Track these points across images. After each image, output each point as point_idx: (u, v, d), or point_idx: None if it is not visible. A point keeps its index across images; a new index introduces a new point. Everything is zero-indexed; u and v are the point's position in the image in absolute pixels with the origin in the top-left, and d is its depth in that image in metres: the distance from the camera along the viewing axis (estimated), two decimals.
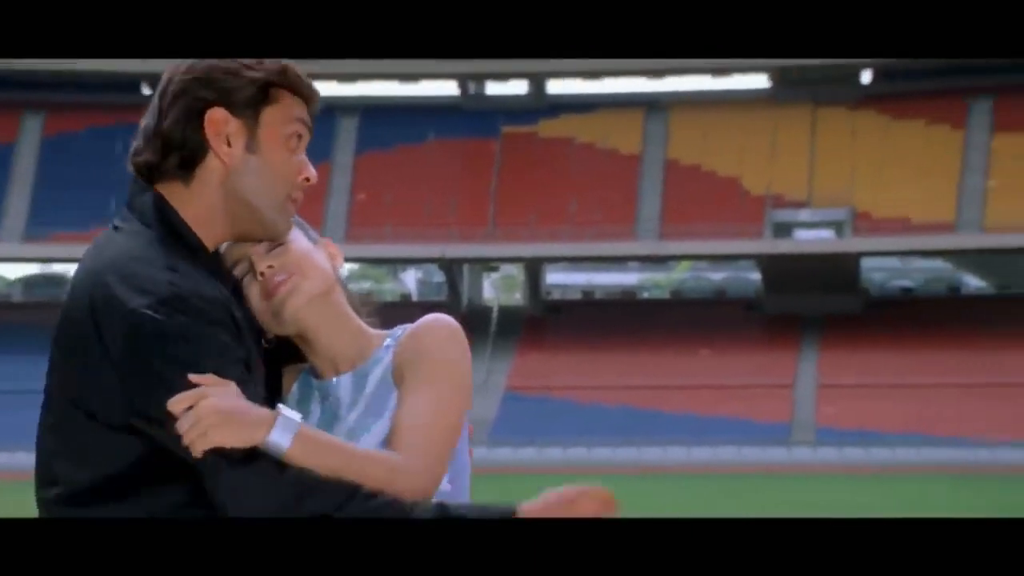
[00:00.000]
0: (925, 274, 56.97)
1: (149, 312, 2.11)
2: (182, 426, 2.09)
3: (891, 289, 54.02)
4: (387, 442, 2.29)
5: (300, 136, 2.27)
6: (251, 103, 2.23)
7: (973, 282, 55.02)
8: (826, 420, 43.97)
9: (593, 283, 58.26)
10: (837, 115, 50.70)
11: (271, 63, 2.26)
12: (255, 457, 2.11)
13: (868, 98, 50.94)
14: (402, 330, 2.39)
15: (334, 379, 2.39)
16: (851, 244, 48.49)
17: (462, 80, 52.96)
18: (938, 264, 56.10)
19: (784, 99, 51.37)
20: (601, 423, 43.34)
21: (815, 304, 48.66)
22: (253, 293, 2.34)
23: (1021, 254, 50.86)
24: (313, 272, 2.35)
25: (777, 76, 52.07)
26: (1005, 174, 47.72)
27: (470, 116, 51.91)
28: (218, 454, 2.10)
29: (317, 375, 2.41)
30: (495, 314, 50.81)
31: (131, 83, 51.56)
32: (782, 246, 48.33)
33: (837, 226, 48.90)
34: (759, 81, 53.01)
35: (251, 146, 2.23)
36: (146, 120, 2.27)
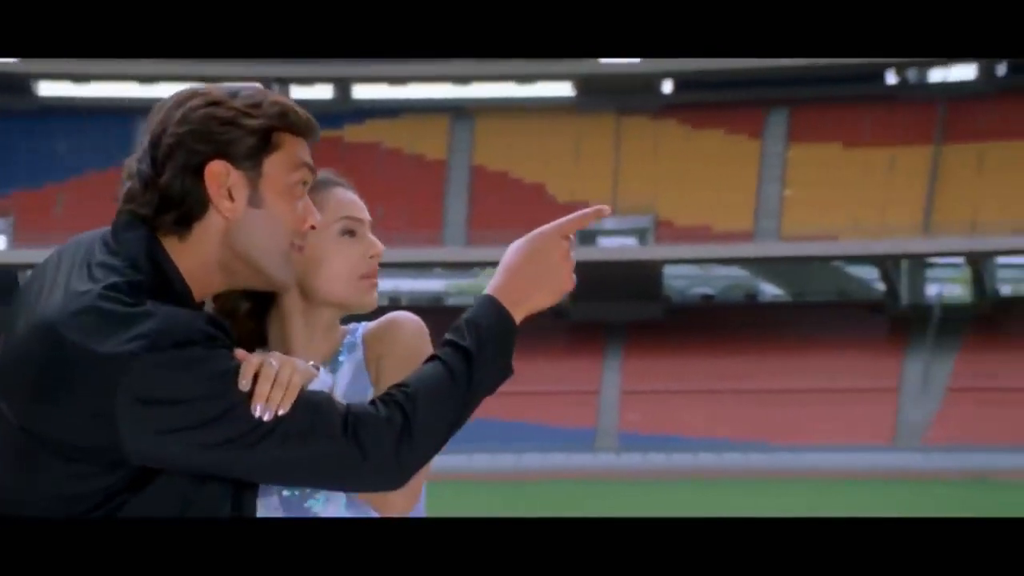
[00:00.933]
0: (724, 281, 58.18)
1: (149, 354, 1.98)
2: (262, 392, 2.01)
3: (691, 296, 55.05)
4: None
5: (305, 182, 2.15)
6: (252, 153, 2.11)
7: (770, 289, 56.38)
8: (629, 426, 44.60)
9: (399, 290, 58.14)
10: (639, 124, 51.56)
11: (269, 106, 2.15)
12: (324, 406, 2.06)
13: (669, 107, 51.92)
14: (361, 327, 2.44)
15: None
16: (654, 252, 49.32)
17: (266, 84, 52.25)
18: (737, 271, 57.34)
19: (587, 107, 52.04)
20: None
21: (619, 311, 49.35)
22: (345, 254, 2.39)
23: (816, 262, 52.32)
24: None
25: (581, 84, 52.74)
26: (800, 184, 49.07)
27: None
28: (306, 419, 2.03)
29: None
30: None
31: None
32: (587, 253, 48.92)
33: (640, 234, 49.70)
34: (563, 89, 53.59)
35: (254, 199, 2.11)
36: (138, 166, 2.13)
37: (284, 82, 52.57)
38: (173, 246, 2.10)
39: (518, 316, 2.18)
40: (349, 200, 2.45)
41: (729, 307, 52.14)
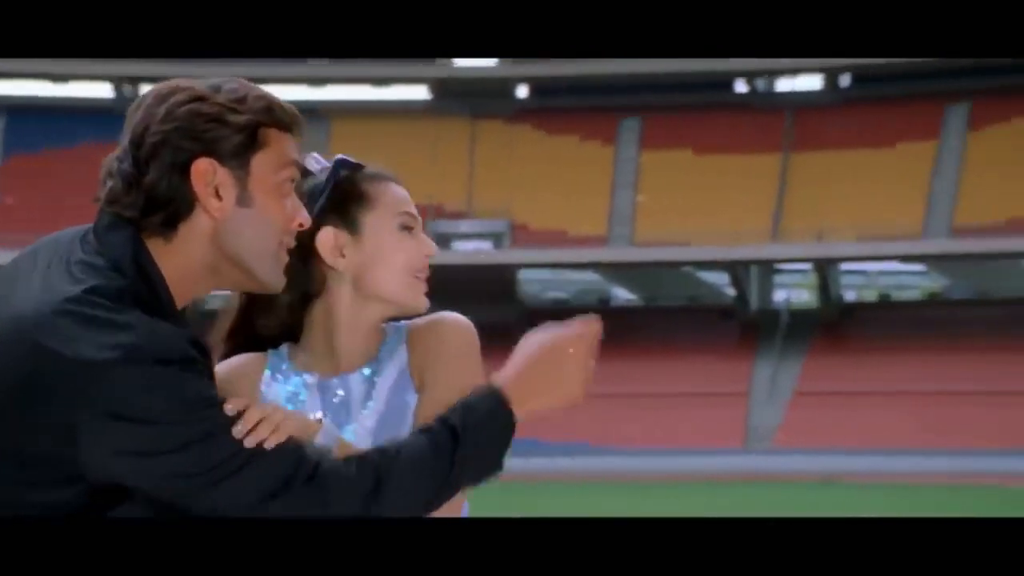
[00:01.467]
0: (578, 286, 58.61)
1: (126, 365, 1.88)
2: (249, 422, 1.93)
3: (546, 300, 55.34)
4: None
5: (292, 179, 2.07)
6: (240, 151, 2.02)
7: (623, 294, 56.92)
8: None
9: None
10: (495, 128, 51.70)
11: (254, 101, 2.05)
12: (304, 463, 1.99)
13: (524, 112, 52.14)
14: (404, 324, 2.33)
15: (339, 376, 2.28)
16: (509, 256, 49.47)
17: (116, 82, 51.50)
18: (591, 276, 57.80)
19: (443, 111, 52.04)
20: None
21: (473, 314, 49.31)
22: (404, 249, 2.30)
23: (667, 268, 52.94)
24: None
25: (437, 87, 52.72)
26: (653, 190, 49.62)
27: (125, 120, 50.57)
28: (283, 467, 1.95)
29: (307, 369, 2.29)
30: None
31: None
32: (442, 257, 48.90)
33: (496, 237, 49.83)
34: (419, 92, 53.52)
35: (242, 198, 2.02)
36: (119, 164, 2.04)
37: (134, 81, 51.70)
38: (158, 248, 2.01)
39: (521, 413, 2.11)
40: (404, 196, 2.38)
41: (583, 311, 52.35)
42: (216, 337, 2.36)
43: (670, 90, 50.99)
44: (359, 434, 2.24)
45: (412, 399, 2.28)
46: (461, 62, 51.52)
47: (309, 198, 2.28)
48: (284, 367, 2.30)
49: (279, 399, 2.27)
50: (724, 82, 52.29)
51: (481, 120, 51.87)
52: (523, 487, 35.51)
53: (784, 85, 53.59)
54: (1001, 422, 41.68)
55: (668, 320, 49.54)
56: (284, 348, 2.32)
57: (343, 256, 2.28)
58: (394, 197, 2.34)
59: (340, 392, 2.26)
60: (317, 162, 2.36)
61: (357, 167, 2.31)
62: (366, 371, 2.28)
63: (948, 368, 44.51)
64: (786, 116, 51.05)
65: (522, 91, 53.12)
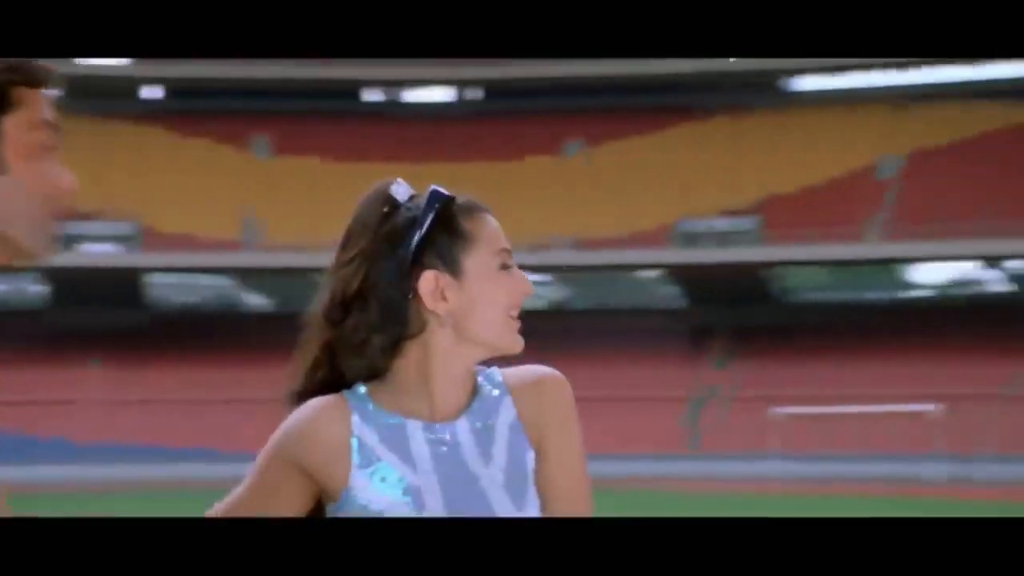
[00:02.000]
0: (209, 291, 57.97)
1: None
2: None
3: (174, 305, 54.53)
4: (549, 507, 2.18)
5: (50, 140, 1.93)
6: None
7: (255, 300, 56.65)
8: (115, 436, 43.71)
9: None
10: (125, 129, 50.63)
11: None
12: None
13: (156, 113, 51.28)
14: (497, 376, 2.21)
15: (445, 424, 2.16)
16: (138, 259, 48.53)
17: None
18: (222, 281, 57.28)
19: (70, 109, 50.64)
20: None
21: (101, 318, 48.25)
22: (505, 289, 2.16)
23: (299, 273, 53.12)
24: None
25: (63, 85, 51.22)
26: (284, 196, 49.65)
27: None
28: None
29: (401, 411, 2.16)
30: None
31: None
32: (69, 259, 47.61)
33: (125, 240, 48.81)
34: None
35: None
36: None
37: None
38: None
39: None
40: (499, 228, 2.25)
41: (213, 316, 52.01)
42: (293, 376, 2.28)
43: (300, 96, 51.19)
44: (490, 490, 2.14)
45: (530, 457, 2.18)
46: (89, 60, 50.30)
47: (404, 231, 2.20)
48: (369, 408, 2.19)
49: (372, 442, 2.17)
50: (351, 91, 52.81)
51: (110, 120, 50.73)
52: (156, 495, 35.01)
53: (414, 96, 54.55)
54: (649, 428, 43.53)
55: (299, 326, 49.64)
56: (361, 389, 2.21)
57: (444, 300, 2.16)
58: (491, 232, 2.23)
59: (447, 440, 2.16)
60: (404, 189, 2.26)
61: (450, 199, 2.23)
62: (477, 423, 2.18)
63: (575, 376, 46.17)
64: (417, 127, 51.99)
65: (155, 92, 52.25)
